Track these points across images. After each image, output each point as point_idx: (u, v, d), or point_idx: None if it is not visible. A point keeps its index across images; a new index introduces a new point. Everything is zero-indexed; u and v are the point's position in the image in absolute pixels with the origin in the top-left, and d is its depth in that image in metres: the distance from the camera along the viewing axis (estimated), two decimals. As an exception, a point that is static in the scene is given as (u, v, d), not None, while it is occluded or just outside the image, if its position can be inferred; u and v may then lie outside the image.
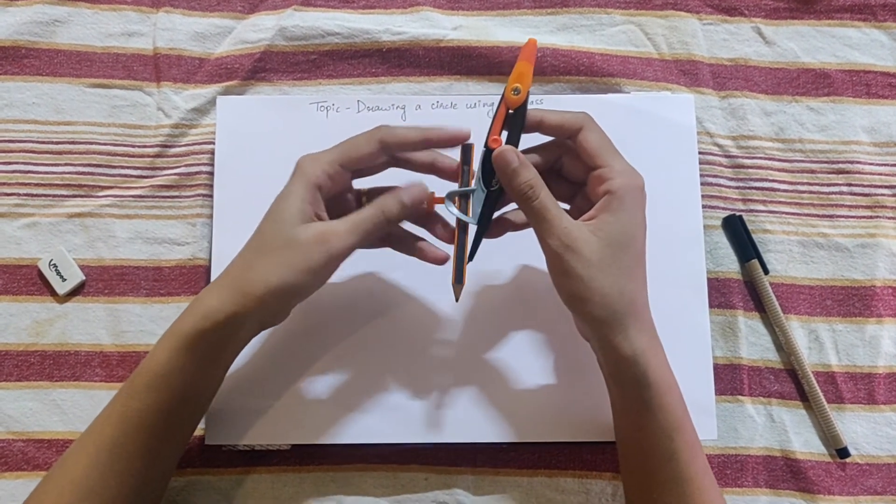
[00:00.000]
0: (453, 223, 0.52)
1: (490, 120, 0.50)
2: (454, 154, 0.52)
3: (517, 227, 0.53)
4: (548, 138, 0.52)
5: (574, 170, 0.52)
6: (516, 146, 0.49)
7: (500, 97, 0.50)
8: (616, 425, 0.51)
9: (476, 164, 0.51)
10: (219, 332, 0.47)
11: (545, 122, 0.50)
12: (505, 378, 0.58)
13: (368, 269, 0.59)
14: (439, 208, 0.51)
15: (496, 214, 0.52)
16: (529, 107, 0.49)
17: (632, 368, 0.47)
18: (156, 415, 0.47)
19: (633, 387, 0.48)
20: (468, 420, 0.57)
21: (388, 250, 0.54)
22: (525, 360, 0.58)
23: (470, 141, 0.51)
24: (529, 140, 0.51)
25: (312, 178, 0.48)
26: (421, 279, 0.59)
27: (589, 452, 0.59)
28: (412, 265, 0.54)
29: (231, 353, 0.50)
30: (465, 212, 0.51)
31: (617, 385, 0.49)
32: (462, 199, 0.51)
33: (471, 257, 0.52)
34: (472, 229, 0.51)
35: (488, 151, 0.49)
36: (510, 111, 0.49)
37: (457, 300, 0.53)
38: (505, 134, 0.50)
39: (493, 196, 0.50)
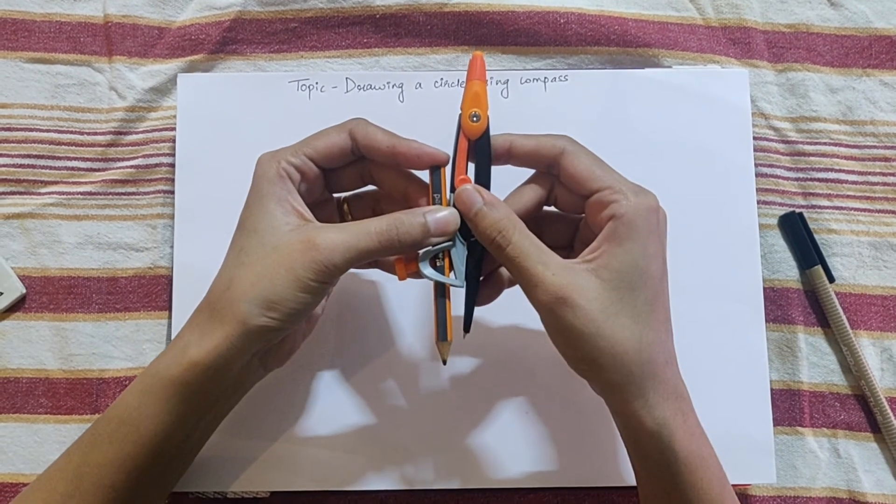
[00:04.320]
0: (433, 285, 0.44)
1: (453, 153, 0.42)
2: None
3: (512, 282, 0.45)
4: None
5: (572, 199, 0.43)
6: (487, 182, 0.42)
7: (456, 128, 0.42)
8: (641, 498, 0.44)
9: (448, 195, 0.42)
10: (199, 373, 0.40)
11: (515, 148, 0.42)
12: (521, 417, 0.51)
13: (360, 288, 0.52)
14: (408, 292, 0.44)
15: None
16: (496, 131, 0.42)
17: (655, 442, 0.40)
18: (118, 470, 0.41)
19: (659, 463, 0.40)
20: (478, 464, 0.50)
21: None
22: (544, 396, 0.51)
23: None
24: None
25: (279, 171, 0.42)
26: (423, 305, 0.51)
27: (618, 496, 0.52)
28: (412, 290, 0.46)
29: (220, 398, 0.43)
30: (444, 272, 0.42)
31: (639, 459, 0.42)
32: (439, 258, 0.42)
33: (466, 327, 0.44)
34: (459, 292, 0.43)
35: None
36: (471, 142, 0.42)
37: (444, 362, 0.44)
38: (472, 169, 0.42)
39: (478, 248, 0.42)
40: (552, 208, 0.45)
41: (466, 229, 0.42)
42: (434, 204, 0.42)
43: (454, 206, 0.41)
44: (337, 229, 0.41)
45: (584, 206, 0.42)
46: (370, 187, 0.46)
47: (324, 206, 0.46)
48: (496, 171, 0.43)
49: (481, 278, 0.44)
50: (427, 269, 0.42)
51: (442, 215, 0.41)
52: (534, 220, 0.43)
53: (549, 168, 0.43)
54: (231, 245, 0.42)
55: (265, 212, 0.41)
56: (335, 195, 0.46)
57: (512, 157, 0.43)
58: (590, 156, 0.42)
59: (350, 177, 0.45)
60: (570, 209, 0.44)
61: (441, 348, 0.43)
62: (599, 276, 0.39)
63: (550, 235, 0.43)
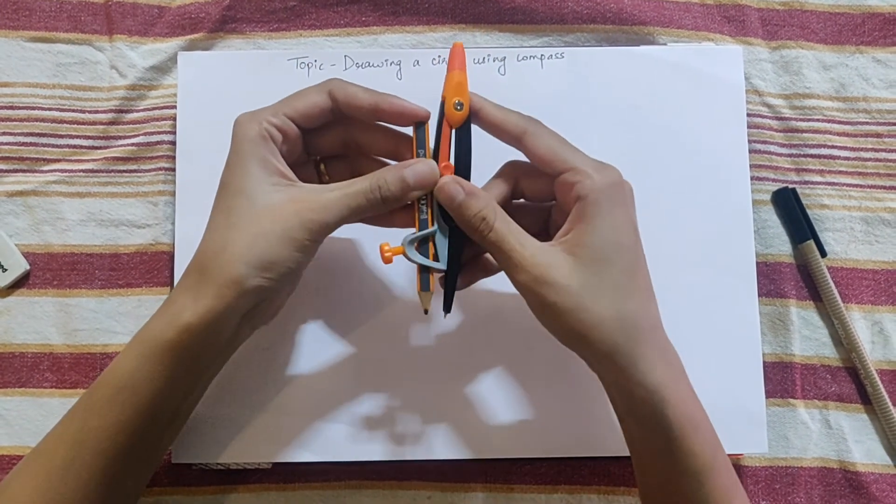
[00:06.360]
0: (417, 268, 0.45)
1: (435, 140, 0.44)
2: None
3: (490, 270, 0.46)
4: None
5: (537, 188, 0.44)
6: (467, 171, 0.43)
7: (439, 114, 0.43)
8: (635, 464, 0.44)
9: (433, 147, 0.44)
10: (195, 336, 0.40)
11: (483, 113, 0.43)
12: (518, 387, 0.51)
13: (360, 261, 0.52)
14: (398, 260, 0.44)
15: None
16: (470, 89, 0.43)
17: (649, 408, 0.40)
18: (117, 435, 0.41)
19: (653, 428, 0.41)
20: (477, 434, 0.51)
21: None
22: (540, 365, 0.51)
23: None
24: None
25: (260, 132, 0.42)
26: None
27: (615, 465, 0.53)
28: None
29: (214, 360, 0.43)
30: (428, 255, 0.44)
31: (635, 424, 0.42)
32: (423, 243, 0.44)
33: (447, 308, 0.45)
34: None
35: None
36: (454, 130, 0.43)
37: (426, 311, 0.45)
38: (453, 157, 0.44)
39: (459, 233, 0.43)
40: (522, 201, 0.46)
41: (448, 215, 0.43)
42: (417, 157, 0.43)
43: (436, 199, 0.42)
44: (327, 190, 0.41)
45: (554, 190, 0.43)
46: None
47: (302, 167, 0.46)
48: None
49: (462, 262, 0.45)
50: (412, 253, 0.43)
51: (420, 169, 0.42)
52: (514, 209, 0.44)
53: (512, 145, 0.43)
54: (216, 206, 0.42)
55: (248, 172, 0.41)
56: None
57: (479, 119, 0.43)
58: (552, 137, 0.42)
59: (330, 140, 0.45)
60: (539, 197, 0.44)
61: (423, 298, 0.44)
62: (573, 253, 0.40)
63: (523, 227, 0.43)
